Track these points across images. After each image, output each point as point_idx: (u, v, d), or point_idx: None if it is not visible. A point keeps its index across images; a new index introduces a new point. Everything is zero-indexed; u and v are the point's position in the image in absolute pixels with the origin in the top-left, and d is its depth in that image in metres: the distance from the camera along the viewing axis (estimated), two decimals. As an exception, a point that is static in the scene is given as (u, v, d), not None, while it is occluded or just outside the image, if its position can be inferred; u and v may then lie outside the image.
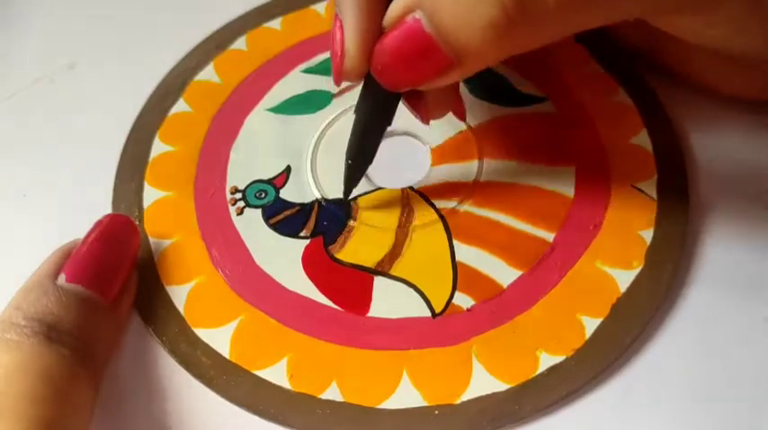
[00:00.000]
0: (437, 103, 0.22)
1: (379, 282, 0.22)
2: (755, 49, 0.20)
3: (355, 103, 0.21)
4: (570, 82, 0.26)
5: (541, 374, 0.19)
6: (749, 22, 0.19)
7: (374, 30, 0.19)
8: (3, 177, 0.25)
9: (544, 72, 0.26)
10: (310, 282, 0.22)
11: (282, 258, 0.22)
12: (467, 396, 0.19)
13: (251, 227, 0.23)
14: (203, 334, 0.21)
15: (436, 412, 0.19)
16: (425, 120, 0.22)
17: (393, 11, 0.18)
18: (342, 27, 0.19)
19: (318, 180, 0.24)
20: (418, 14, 0.17)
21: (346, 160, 0.22)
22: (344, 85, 0.22)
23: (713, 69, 0.23)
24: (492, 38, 0.17)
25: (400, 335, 0.20)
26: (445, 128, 0.25)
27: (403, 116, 0.21)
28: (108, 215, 0.22)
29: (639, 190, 0.23)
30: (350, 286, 0.22)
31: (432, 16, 0.17)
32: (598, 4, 0.17)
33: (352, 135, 0.21)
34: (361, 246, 0.22)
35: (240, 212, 0.24)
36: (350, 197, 0.23)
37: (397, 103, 0.21)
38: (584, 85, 0.26)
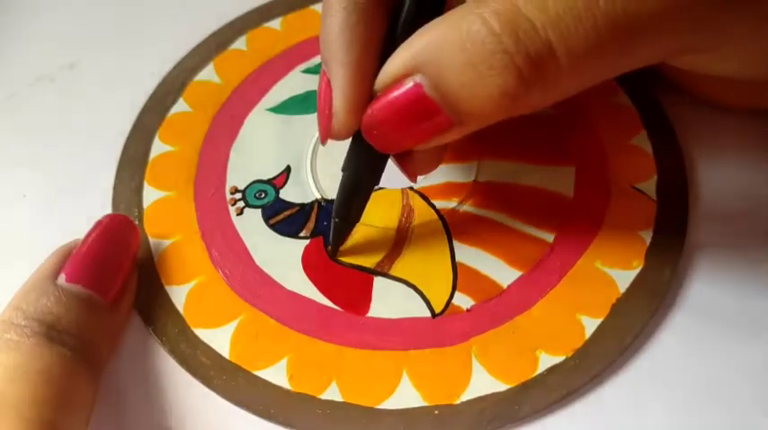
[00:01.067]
0: (425, 161, 0.21)
1: (378, 282, 0.22)
2: (764, 75, 0.19)
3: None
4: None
5: (541, 374, 0.19)
6: (758, 53, 0.18)
7: (365, 90, 0.18)
8: (3, 177, 0.25)
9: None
10: (310, 282, 0.22)
11: (282, 258, 0.22)
12: (466, 396, 0.19)
13: (251, 227, 0.23)
14: (203, 334, 0.21)
15: (436, 412, 0.19)
16: (413, 178, 0.21)
17: (388, 74, 0.17)
18: (329, 85, 0.18)
19: (318, 180, 0.24)
20: (419, 78, 0.16)
21: (333, 218, 0.21)
22: None
23: (719, 87, 0.23)
24: (505, 103, 0.16)
25: (400, 335, 0.21)
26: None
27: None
28: (108, 215, 0.22)
29: (639, 190, 0.23)
30: (350, 286, 0.22)
31: (437, 83, 0.16)
32: (606, 62, 0.16)
33: (339, 194, 0.21)
34: (360, 246, 0.22)
35: (240, 212, 0.24)
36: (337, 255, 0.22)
37: (386, 161, 0.20)
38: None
